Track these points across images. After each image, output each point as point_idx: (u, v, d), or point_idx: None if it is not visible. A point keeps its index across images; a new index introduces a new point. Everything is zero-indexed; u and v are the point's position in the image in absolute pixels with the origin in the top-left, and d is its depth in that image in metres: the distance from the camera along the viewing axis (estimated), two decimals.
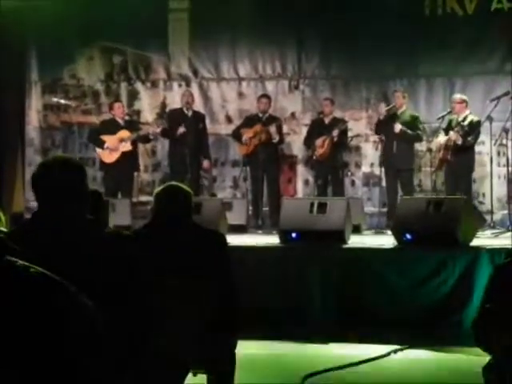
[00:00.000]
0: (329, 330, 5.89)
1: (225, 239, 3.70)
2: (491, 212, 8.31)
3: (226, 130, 9.91)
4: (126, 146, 8.91)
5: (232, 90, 10.09)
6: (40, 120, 10.36)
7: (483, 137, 8.56)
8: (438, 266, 5.98)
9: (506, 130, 8.24)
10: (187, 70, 10.17)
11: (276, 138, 8.94)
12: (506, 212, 8.50)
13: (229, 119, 10.06)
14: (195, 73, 10.16)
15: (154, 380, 2.59)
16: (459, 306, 5.80)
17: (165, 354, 2.67)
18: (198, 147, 8.96)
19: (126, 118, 9.32)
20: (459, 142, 8.17)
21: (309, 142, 9.10)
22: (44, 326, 1.40)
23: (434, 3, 9.38)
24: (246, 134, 8.97)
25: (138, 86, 10.27)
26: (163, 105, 10.15)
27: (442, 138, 8.35)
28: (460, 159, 8.22)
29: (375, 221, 8.87)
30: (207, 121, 9.60)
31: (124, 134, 8.95)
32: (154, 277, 3.01)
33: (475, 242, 6.34)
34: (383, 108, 8.86)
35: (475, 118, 8.35)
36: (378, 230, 8.30)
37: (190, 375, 3.40)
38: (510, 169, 8.76)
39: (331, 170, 8.90)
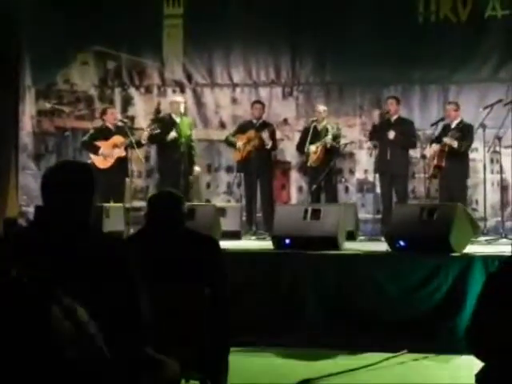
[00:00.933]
0: (322, 336, 5.88)
1: (218, 244, 3.70)
2: (484, 219, 8.33)
3: (219, 135, 9.92)
4: (120, 152, 8.91)
5: (226, 96, 10.10)
6: (33, 125, 10.35)
7: (476, 144, 8.59)
8: (431, 273, 5.98)
9: (499, 138, 8.27)
10: (181, 75, 10.18)
11: (269, 144, 8.95)
12: (499, 219, 8.52)
13: (222, 125, 10.07)
14: (189, 78, 10.17)
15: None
16: (452, 312, 5.80)
17: (155, 359, 2.66)
18: (188, 153, 8.99)
19: (119, 123, 9.31)
20: (455, 145, 8.19)
21: (302, 148, 9.11)
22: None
23: (427, 10, 9.41)
24: (239, 140, 8.98)
25: (132, 91, 10.27)
26: (157, 110, 10.16)
27: (435, 145, 8.37)
28: (454, 166, 8.24)
29: (369, 227, 8.87)
30: (200, 126, 9.58)
31: (117, 139, 8.96)
32: (147, 282, 3.01)
33: (468, 249, 6.34)
34: (377, 115, 8.88)
35: (468, 123, 8.40)
36: (372, 236, 8.31)
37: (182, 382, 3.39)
38: (503, 176, 8.79)
39: (325, 176, 8.90)
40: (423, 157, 8.80)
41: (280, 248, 6.53)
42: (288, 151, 9.86)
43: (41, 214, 2.41)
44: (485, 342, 2.31)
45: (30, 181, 9.90)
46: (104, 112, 9.29)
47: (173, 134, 8.91)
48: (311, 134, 8.92)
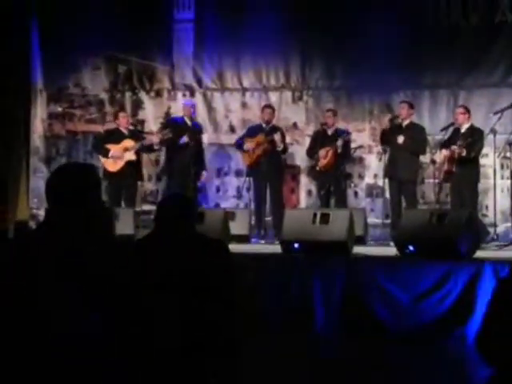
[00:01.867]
0: (331, 341, 5.87)
1: (228, 248, 3.70)
2: (494, 225, 8.30)
3: (229, 140, 9.93)
4: (130, 156, 8.94)
5: (236, 101, 10.12)
6: (45, 128, 10.40)
7: (487, 149, 8.56)
8: (441, 279, 5.97)
9: (509, 143, 8.24)
10: (191, 79, 10.20)
11: (281, 146, 8.94)
12: (509, 225, 8.49)
13: (232, 129, 10.09)
14: (199, 83, 10.19)
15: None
16: (462, 318, 5.79)
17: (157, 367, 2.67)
18: (197, 157, 9.02)
19: (130, 127, 9.35)
20: (463, 153, 8.14)
21: (311, 152, 9.11)
22: None
23: (437, 15, 9.40)
24: (249, 144, 9.00)
25: (143, 95, 10.31)
26: (167, 114, 10.19)
27: (445, 151, 8.33)
28: (465, 171, 8.19)
29: (378, 232, 8.86)
30: (210, 130, 9.60)
31: (128, 143, 8.98)
32: (155, 285, 3.02)
33: (478, 255, 6.33)
34: (386, 119, 8.87)
35: (478, 127, 8.34)
36: (381, 241, 8.29)
37: None
38: None
39: (334, 180, 8.90)
40: (433, 162, 8.77)
41: (289, 252, 6.54)
42: (297, 155, 9.86)
43: (48, 217, 2.42)
44: (497, 349, 2.31)
45: (41, 184, 9.94)
46: (116, 116, 9.33)
47: (184, 139, 8.93)
48: (321, 138, 8.92)
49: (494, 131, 8.10)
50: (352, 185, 9.64)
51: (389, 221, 8.81)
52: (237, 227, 7.87)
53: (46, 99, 10.39)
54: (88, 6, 9.98)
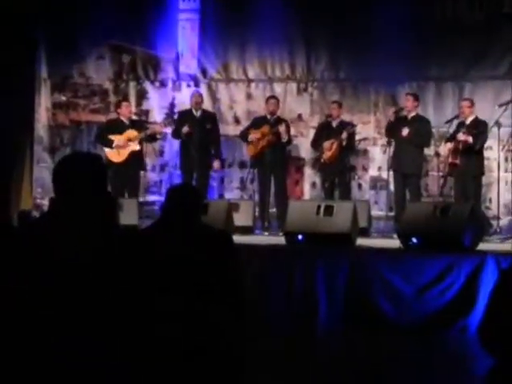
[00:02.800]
0: (334, 332, 5.89)
1: (232, 239, 3.71)
2: (497, 218, 8.30)
3: (233, 131, 9.93)
4: (134, 146, 8.92)
5: (240, 92, 10.11)
6: (49, 118, 10.40)
7: (491, 142, 8.54)
8: (443, 271, 5.98)
9: None
10: (196, 70, 10.19)
11: (285, 138, 8.92)
12: None
13: (237, 120, 10.08)
14: (204, 73, 10.18)
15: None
16: (465, 310, 5.80)
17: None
18: (206, 147, 8.97)
19: (133, 117, 9.34)
20: (470, 140, 8.08)
21: (316, 144, 9.10)
22: None
23: (444, 7, 9.37)
24: (253, 135, 8.98)
25: (147, 85, 10.30)
26: (172, 105, 10.18)
27: (449, 144, 8.31)
28: (469, 163, 8.16)
29: (382, 224, 8.86)
30: None
31: (131, 133, 8.97)
32: (159, 276, 3.02)
33: (481, 247, 6.34)
34: (391, 112, 8.85)
35: (482, 120, 8.31)
36: (385, 233, 8.29)
37: None
38: None
39: (338, 172, 8.90)
40: (437, 154, 8.76)
41: (292, 243, 6.55)
42: (302, 147, 9.85)
43: (54, 206, 2.42)
44: (499, 340, 2.31)
45: (44, 173, 9.96)
46: (118, 105, 9.31)
47: (185, 129, 8.92)
48: (326, 130, 8.91)
49: (498, 124, 8.08)
50: (356, 177, 9.63)
51: (392, 213, 8.81)
52: (241, 219, 7.88)
53: (50, 88, 10.38)
54: None
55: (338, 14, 9.57)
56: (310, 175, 9.88)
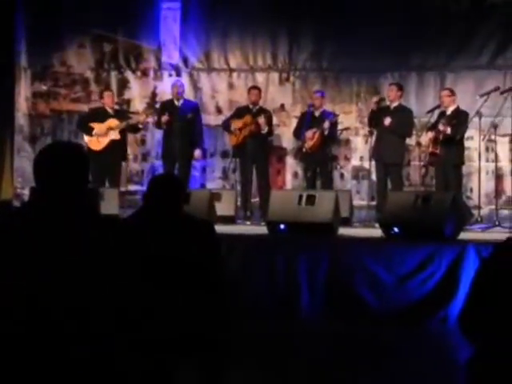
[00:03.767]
0: (316, 321, 5.91)
1: (214, 229, 3.71)
2: (479, 207, 8.35)
3: (215, 120, 9.90)
4: (115, 135, 8.88)
5: (222, 81, 10.08)
6: (29, 107, 10.32)
7: (472, 132, 8.58)
8: (425, 260, 6.01)
9: (494, 126, 8.26)
10: (178, 59, 10.15)
11: (265, 129, 8.92)
12: (493, 207, 8.55)
13: (219, 110, 10.06)
14: (186, 63, 10.14)
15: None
16: (446, 299, 5.83)
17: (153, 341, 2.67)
18: (187, 137, 8.93)
19: (116, 107, 9.30)
20: (448, 131, 8.13)
21: (298, 134, 9.10)
22: None
23: None
24: (235, 125, 8.97)
25: (129, 74, 10.25)
26: (153, 94, 10.13)
27: (430, 133, 8.34)
28: (449, 153, 8.20)
29: (364, 214, 8.89)
30: None
31: (113, 122, 8.92)
32: (141, 265, 3.01)
33: (462, 236, 6.37)
34: (374, 102, 8.86)
35: (463, 110, 8.34)
36: (367, 223, 8.32)
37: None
38: (498, 164, 8.80)
39: (320, 162, 8.91)
40: (418, 144, 8.79)
41: (274, 233, 6.55)
42: (284, 137, 9.85)
43: (35, 196, 2.40)
44: (479, 328, 2.33)
45: (25, 163, 9.88)
46: (101, 95, 9.26)
47: (164, 118, 8.88)
48: (308, 119, 8.91)
49: (479, 114, 8.11)
50: (338, 167, 9.65)
51: (374, 203, 8.84)
52: (223, 208, 7.87)
53: (30, 78, 10.29)
54: None
55: (320, 3, 9.56)
56: (291, 165, 9.88)
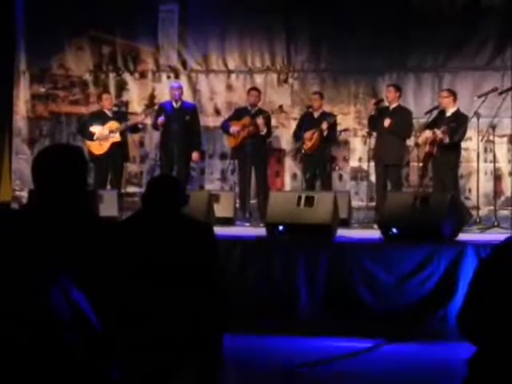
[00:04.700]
0: (315, 323, 5.90)
1: (213, 230, 3.71)
2: (477, 208, 8.35)
3: (214, 122, 9.90)
4: (115, 137, 8.90)
5: (221, 83, 10.08)
6: (28, 110, 10.32)
7: (470, 133, 8.58)
8: (423, 261, 6.01)
9: (493, 127, 8.26)
10: (176, 61, 10.15)
11: (264, 130, 8.92)
12: (491, 208, 8.55)
13: (217, 112, 10.06)
14: (184, 64, 10.14)
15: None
16: (445, 300, 5.83)
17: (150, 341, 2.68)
18: (186, 139, 8.93)
19: (114, 109, 9.30)
20: (446, 140, 8.11)
21: (298, 135, 9.10)
22: None
23: None
24: (234, 126, 8.97)
25: (127, 76, 10.25)
26: (152, 96, 10.13)
27: (428, 133, 8.32)
28: (444, 156, 8.17)
29: (362, 215, 8.89)
30: None
31: (113, 125, 8.94)
32: (140, 266, 3.01)
33: (461, 237, 6.38)
34: (372, 103, 8.86)
35: (463, 113, 8.32)
36: (365, 224, 8.32)
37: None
38: (496, 165, 8.81)
39: (319, 163, 8.91)
40: (417, 145, 8.78)
41: (273, 234, 6.55)
42: (283, 138, 9.86)
43: (34, 199, 2.41)
44: (477, 326, 2.33)
45: (23, 165, 9.88)
46: (100, 98, 9.28)
47: (160, 119, 8.88)
48: (307, 120, 8.91)
49: (477, 115, 8.11)
50: (337, 168, 9.66)
51: (373, 204, 8.84)
52: (221, 210, 7.87)
53: (28, 80, 10.29)
54: None
55: (318, 4, 9.57)
56: (290, 166, 9.89)
